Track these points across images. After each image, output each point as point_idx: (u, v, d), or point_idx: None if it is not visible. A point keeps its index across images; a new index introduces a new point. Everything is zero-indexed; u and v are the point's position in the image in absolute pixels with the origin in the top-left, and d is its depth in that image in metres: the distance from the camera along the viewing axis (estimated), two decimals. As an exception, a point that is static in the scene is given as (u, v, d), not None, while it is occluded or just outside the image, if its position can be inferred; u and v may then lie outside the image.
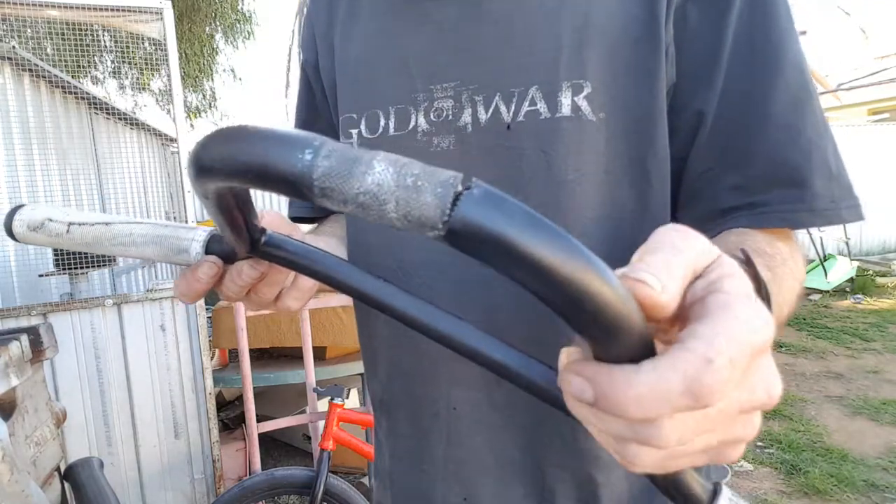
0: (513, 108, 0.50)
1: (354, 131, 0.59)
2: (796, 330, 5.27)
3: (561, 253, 0.18)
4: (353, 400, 2.49)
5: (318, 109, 0.69)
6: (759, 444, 3.10)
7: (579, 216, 0.49)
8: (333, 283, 0.38)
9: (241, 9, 8.78)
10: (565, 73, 0.49)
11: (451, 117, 0.53)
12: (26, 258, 2.51)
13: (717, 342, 0.20)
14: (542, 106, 0.49)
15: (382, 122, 0.57)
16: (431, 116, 0.54)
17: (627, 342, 0.20)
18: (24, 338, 1.30)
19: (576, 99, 0.48)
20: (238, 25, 8.76)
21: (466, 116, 0.53)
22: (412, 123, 0.55)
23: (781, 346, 4.77)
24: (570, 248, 0.18)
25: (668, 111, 0.49)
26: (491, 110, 0.51)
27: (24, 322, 1.98)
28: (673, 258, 0.23)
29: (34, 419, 1.30)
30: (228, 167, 0.22)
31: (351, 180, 0.19)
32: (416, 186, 0.19)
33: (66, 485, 1.43)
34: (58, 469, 1.40)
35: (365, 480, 2.62)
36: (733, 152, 0.47)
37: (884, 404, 3.46)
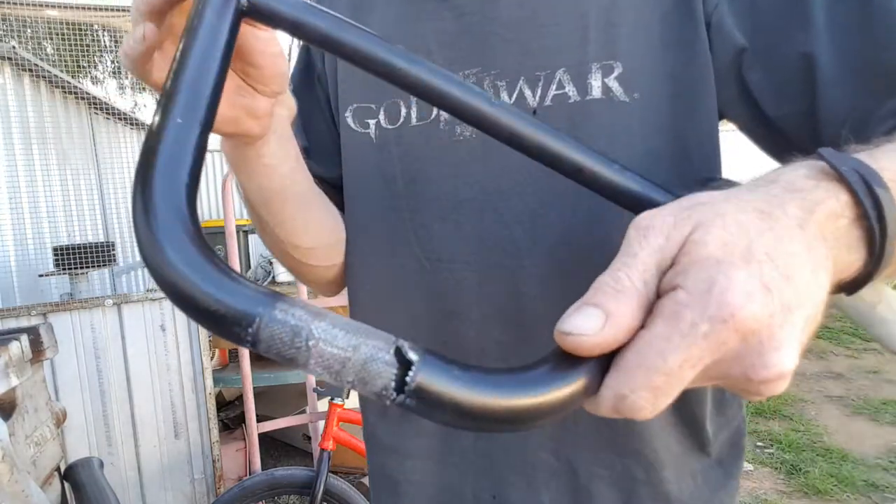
0: (539, 92, 0.49)
1: (372, 122, 0.57)
2: (796, 330, 5.27)
3: (496, 401, 0.21)
4: (353, 400, 2.49)
5: (312, 85, 0.64)
6: (759, 444, 3.10)
7: None
8: (339, 49, 0.33)
9: (241, 9, 8.77)
10: (594, 55, 0.47)
11: None
12: (26, 258, 2.51)
13: (630, 380, 0.22)
14: (570, 89, 0.48)
15: (404, 112, 0.55)
16: None
17: (577, 402, 0.24)
18: (24, 338, 1.30)
19: (606, 80, 0.47)
20: (238, 25, 8.76)
21: None
22: (435, 112, 0.53)
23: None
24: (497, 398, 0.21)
25: (764, 74, 0.44)
26: (515, 96, 0.50)
27: (24, 322, 1.98)
28: (622, 271, 0.23)
29: (34, 419, 1.30)
30: (174, 293, 0.21)
31: (297, 366, 0.20)
32: (358, 385, 0.20)
33: (66, 485, 1.43)
34: (58, 469, 1.40)
35: (365, 480, 2.62)
36: (881, 76, 0.39)
37: (884, 404, 3.46)
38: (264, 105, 0.42)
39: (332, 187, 0.62)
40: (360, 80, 0.58)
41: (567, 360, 0.23)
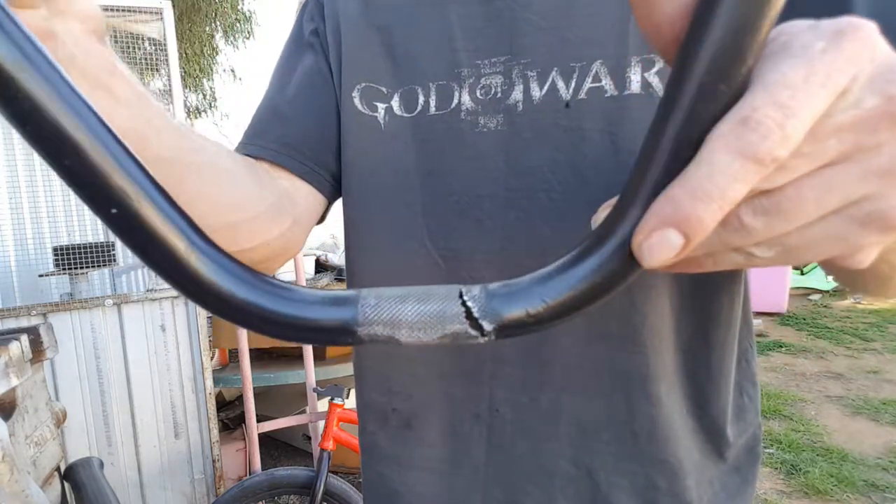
0: (573, 84, 0.46)
1: (382, 105, 0.53)
2: (796, 330, 5.27)
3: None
4: (353, 400, 2.49)
5: (302, 43, 0.58)
6: (759, 444, 3.10)
7: None
8: None
9: (241, 9, 8.78)
10: (635, 48, 0.44)
11: (499, 95, 0.48)
12: (26, 258, 2.51)
13: (752, 98, 0.18)
14: (607, 83, 0.45)
15: (422, 100, 0.51)
16: (478, 94, 0.49)
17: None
18: (24, 338, 1.30)
19: (646, 75, 0.44)
20: (238, 25, 8.75)
21: (517, 94, 0.48)
22: (455, 101, 0.50)
23: (781, 346, 4.77)
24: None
25: None
26: (546, 87, 0.47)
27: (24, 322, 1.98)
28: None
29: (34, 419, 1.30)
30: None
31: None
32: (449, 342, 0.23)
33: (66, 485, 1.43)
34: (58, 469, 1.40)
35: (365, 480, 2.62)
36: None
37: (884, 404, 3.46)
38: (27, 19, 0.27)
39: (312, 161, 0.56)
40: (370, 57, 0.54)
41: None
